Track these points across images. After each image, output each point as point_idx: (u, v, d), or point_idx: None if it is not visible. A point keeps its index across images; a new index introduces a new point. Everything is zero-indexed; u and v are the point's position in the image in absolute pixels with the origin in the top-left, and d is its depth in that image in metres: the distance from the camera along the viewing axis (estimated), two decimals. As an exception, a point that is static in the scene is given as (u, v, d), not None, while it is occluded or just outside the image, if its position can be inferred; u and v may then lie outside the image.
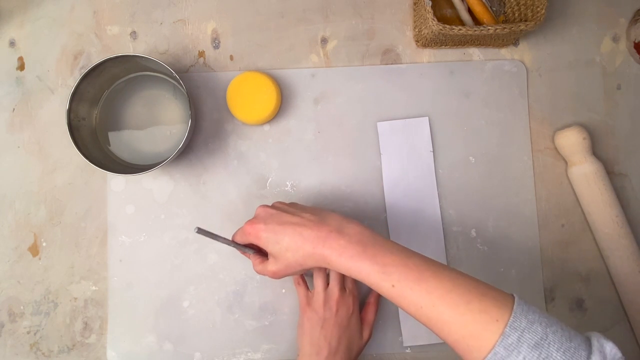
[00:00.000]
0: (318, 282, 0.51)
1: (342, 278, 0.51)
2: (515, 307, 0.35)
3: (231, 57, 0.59)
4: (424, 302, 0.37)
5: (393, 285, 0.38)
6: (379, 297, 0.54)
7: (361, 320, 0.51)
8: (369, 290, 0.56)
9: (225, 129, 0.58)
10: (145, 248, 0.57)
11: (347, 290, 0.51)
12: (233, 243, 0.49)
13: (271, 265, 0.44)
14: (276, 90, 0.55)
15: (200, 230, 0.46)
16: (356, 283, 0.52)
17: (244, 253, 0.50)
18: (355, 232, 0.41)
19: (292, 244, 0.42)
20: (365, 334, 0.50)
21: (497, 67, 0.59)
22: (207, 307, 0.56)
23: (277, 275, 0.45)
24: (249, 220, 0.46)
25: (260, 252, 0.48)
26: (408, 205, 0.57)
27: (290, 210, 0.45)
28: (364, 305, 0.54)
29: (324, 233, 0.41)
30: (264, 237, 0.44)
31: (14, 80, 0.58)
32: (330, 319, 0.48)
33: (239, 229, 0.48)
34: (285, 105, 0.58)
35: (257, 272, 0.47)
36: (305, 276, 0.56)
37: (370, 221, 0.57)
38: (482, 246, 0.57)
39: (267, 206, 0.47)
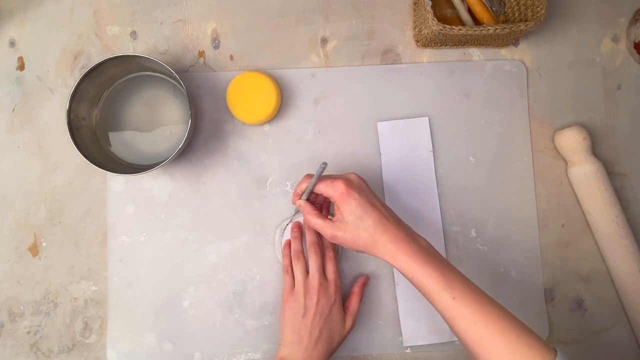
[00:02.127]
0: (298, 270, 0.51)
1: (322, 267, 0.51)
2: (559, 353, 0.38)
3: (231, 57, 0.59)
4: (479, 320, 0.40)
5: (454, 298, 0.41)
6: (363, 287, 0.54)
7: (345, 309, 0.51)
8: (353, 280, 0.56)
9: (225, 129, 0.58)
10: (145, 248, 0.57)
11: (329, 280, 0.50)
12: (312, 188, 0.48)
13: (339, 231, 0.45)
14: (276, 90, 0.55)
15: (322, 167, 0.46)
16: (339, 273, 0.51)
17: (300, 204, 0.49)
18: (425, 244, 0.46)
19: (372, 228, 0.44)
20: (348, 324, 0.50)
21: (497, 67, 0.59)
22: (207, 307, 0.56)
23: (335, 240, 0.46)
24: (345, 181, 0.45)
25: (313, 205, 0.49)
26: (408, 205, 0.57)
27: (377, 196, 0.47)
28: (347, 295, 0.54)
29: (401, 235, 0.44)
30: (353, 205, 0.44)
31: (14, 80, 0.58)
32: (311, 308, 0.48)
33: (328, 180, 0.46)
34: (285, 105, 0.58)
35: (315, 224, 0.47)
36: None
37: (370, 221, 0.57)
38: (482, 246, 0.57)
39: (360, 178, 0.47)
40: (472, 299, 0.41)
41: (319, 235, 0.53)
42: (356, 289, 0.53)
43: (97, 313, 0.56)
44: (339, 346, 0.50)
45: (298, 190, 0.49)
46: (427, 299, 0.44)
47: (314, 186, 0.47)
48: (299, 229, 0.55)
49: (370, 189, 0.48)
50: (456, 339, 0.56)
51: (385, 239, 0.44)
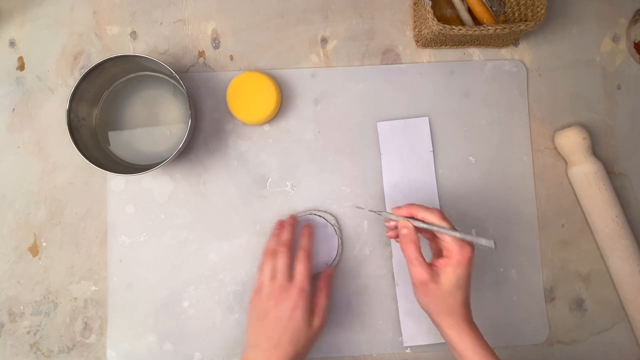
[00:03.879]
0: (265, 272, 0.50)
1: (289, 268, 0.49)
2: None
3: (231, 57, 0.59)
4: None
5: None
6: (329, 281, 0.52)
7: (313, 306, 0.48)
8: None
9: (225, 129, 0.58)
10: (145, 248, 0.57)
11: (295, 282, 0.48)
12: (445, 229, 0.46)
13: (433, 283, 0.44)
14: (276, 90, 0.55)
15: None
16: (308, 275, 0.49)
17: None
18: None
19: (459, 301, 0.45)
20: (316, 322, 0.48)
21: (497, 67, 0.59)
22: (207, 307, 0.56)
23: (422, 285, 0.45)
24: (473, 250, 0.45)
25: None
26: (408, 205, 0.57)
27: None
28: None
29: (470, 318, 0.46)
30: (463, 274, 0.44)
31: (14, 80, 0.58)
32: (270, 311, 0.47)
33: (459, 235, 0.45)
34: (285, 105, 0.58)
35: (413, 259, 0.45)
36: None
37: (370, 221, 0.57)
38: (482, 246, 0.57)
39: None
40: None
41: (292, 235, 0.52)
42: (321, 285, 0.51)
43: (97, 313, 0.56)
44: (311, 344, 0.48)
45: (415, 212, 0.47)
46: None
47: (440, 230, 0.46)
48: (281, 228, 0.53)
49: None
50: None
51: (462, 315, 0.45)
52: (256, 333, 0.47)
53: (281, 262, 0.49)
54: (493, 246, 0.44)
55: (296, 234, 0.54)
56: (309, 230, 0.53)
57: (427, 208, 0.47)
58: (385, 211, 0.52)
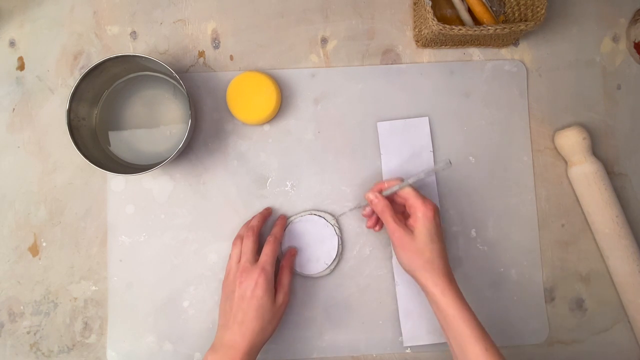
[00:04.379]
0: (233, 255, 0.52)
1: (254, 251, 0.51)
2: None
3: (231, 57, 0.59)
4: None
5: (487, 349, 0.44)
6: (291, 260, 0.54)
7: (276, 284, 0.51)
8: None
9: (225, 129, 0.58)
10: (145, 248, 0.57)
11: (258, 263, 0.50)
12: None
13: (407, 238, 0.49)
14: (276, 90, 0.55)
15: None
16: (272, 257, 0.51)
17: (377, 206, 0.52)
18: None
19: (436, 253, 0.48)
20: (279, 299, 0.50)
21: (497, 67, 0.59)
22: (207, 307, 0.56)
23: (400, 243, 0.49)
24: (435, 205, 0.50)
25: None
26: (408, 205, 0.57)
27: None
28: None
29: (451, 275, 0.49)
30: (433, 225, 0.49)
31: (14, 80, 0.58)
32: (235, 291, 0.49)
33: (419, 194, 0.50)
34: (285, 105, 0.58)
35: (388, 222, 0.50)
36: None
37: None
38: (482, 246, 0.57)
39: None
40: (499, 355, 0.44)
41: (261, 223, 0.54)
42: (284, 263, 0.54)
43: (97, 313, 0.56)
44: (276, 320, 0.50)
45: (383, 186, 0.52)
46: (455, 341, 0.46)
47: (414, 181, 0.51)
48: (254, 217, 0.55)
49: (440, 221, 0.51)
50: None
51: (442, 270, 0.47)
52: (224, 312, 0.50)
53: (246, 246, 0.52)
54: (450, 164, 0.50)
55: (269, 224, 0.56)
56: (282, 220, 0.56)
57: (389, 180, 0.53)
58: (360, 205, 0.57)
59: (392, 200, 0.53)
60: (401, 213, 0.53)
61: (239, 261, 0.51)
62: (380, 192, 0.52)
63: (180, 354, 0.56)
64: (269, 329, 0.49)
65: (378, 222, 0.55)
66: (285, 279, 0.52)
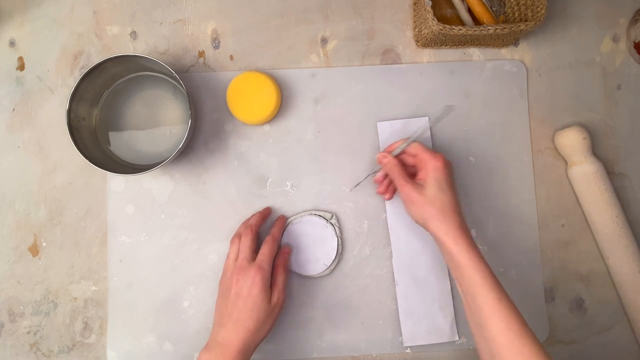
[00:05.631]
0: (230, 253, 0.52)
1: (251, 250, 0.51)
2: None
3: (231, 57, 0.59)
4: (514, 326, 0.43)
5: (500, 299, 0.44)
6: (286, 259, 0.54)
7: (272, 284, 0.51)
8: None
9: (225, 129, 0.58)
10: (145, 248, 0.57)
11: (256, 262, 0.50)
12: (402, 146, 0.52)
13: (416, 192, 0.49)
14: (276, 90, 0.55)
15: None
16: (270, 256, 0.51)
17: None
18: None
19: (448, 202, 0.48)
20: (274, 298, 0.50)
21: (497, 67, 0.59)
22: (207, 307, 0.56)
23: (409, 199, 0.49)
24: (445, 157, 0.50)
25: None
26: (408, 205, 0.57)
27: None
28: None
29: (466, 225, 0.48)
30: (442, 175, 0.49)
31: (14, 80, 0.58)
32: (230, 289, 0.49)
33: (428, 148, 0.51)
34: (285, 105, 0.58)
35: (398, 179, 0.51)
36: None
37: (370, 221, 0.57)
38: (482, 246, 0.57)
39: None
40: (512, 305, 0.44)
41: (260, 221, 0.55)
42: (278, 262, 0.53)
43: (97, 313, 0.56)
44: (271, 320, 0.49)
45: (392, 147, 0.53)
46: (468, 290, 0.45)
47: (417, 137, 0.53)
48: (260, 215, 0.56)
49: (453, 176, 0.52)
50: (456, 339, 0.56)
51: (454, 220, 0.47)
52: (220, 310, 0.49)
53: (244, 244, 0.51)
54: (450, 108, 0.54)
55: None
56: (281, 221, 0.56)
57: (396, 142, 0.54)
58: (373, 171, 0.57)
59: (404, 162, 0.53)
60: (414, 175, 0.53)
61: (237, 259, 0.51)
62: (390, 153, 0.53)
63: (180, 354, 0.56)
64: (264, 329, 0.48)
65: (389, 189, 0.55)
66: (279, 278, 0.52)
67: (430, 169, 0.49)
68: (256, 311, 0.48)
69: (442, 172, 0.49)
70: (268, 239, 0.53)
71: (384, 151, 0.54)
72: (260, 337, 0.48)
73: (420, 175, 0.51)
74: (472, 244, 0.46)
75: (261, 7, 0.59)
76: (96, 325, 0.56)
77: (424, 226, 0.49)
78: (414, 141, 0.52)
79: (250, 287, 0.48)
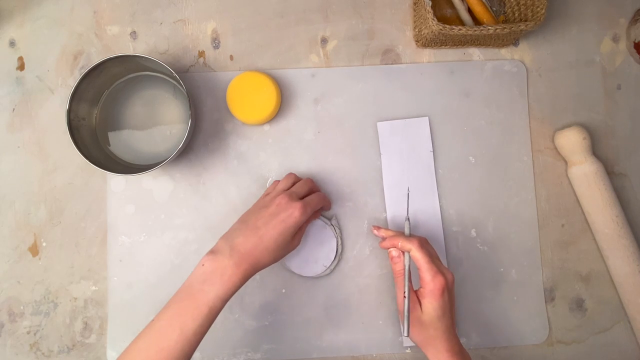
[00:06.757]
0: (282, 182, 0.52)
1: (303, 195, 0.51)
2: None
3: (231, 57, 0.59)
4: None
5: None
6: (316, 218, 0.55)
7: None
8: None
9: (225, 129, 0.58)
10: (145, 248, 0.57)
11: (303, 200, 0.49)
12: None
13: (416, 312, 0.48)
14: (276, 90, 0.55)
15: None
16: (314, 208, 0.50)
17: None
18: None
19: (440, 332, 0.47)
20: (295, 241, 0.50)
21: (497, 67, 0.59)
22: (207, 307, 0.56)
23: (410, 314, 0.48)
24: (445, 281, 0.47)
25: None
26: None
27: (453, 299, 0.50)
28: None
29: (456, 348, 0.48)
30: (438, 304, 0.47)
31: (14, 80, 0.58)
32: (268, 207, 0.48)
33: (434, 266, 0.47)
34: (285, 105, 0.58)
35: (402, 298, 0.48)
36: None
37: (370, 221, 0.57)
38: (482, 246, 0.57)
39: (453, 277, 0.49)
40: None
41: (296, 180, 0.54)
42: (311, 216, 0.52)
43: (97, 313, 0.56)
44: (280, 257, 0.48)
45: (394, 242, 0.50)
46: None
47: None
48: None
49: (453, 291, 0.49)
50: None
51: (444, 347, 0.46)
52: (245, 221, 0.48)
53: (300, 187, 0.51)
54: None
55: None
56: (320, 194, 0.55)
57: (391, 231, 0.53)
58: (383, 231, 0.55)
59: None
60: None
61: (286, 189, 0.51)
62: (386, 237, 0.52)
63: (180, 354, 0.56)
64: (271, 259, 0.47)
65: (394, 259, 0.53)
66: (304, 227, 0.52)
67: (429, 294, 0.46)
68: (280, 239, 0.46)
69: (440, 299, 0.46)
70: (321, 193, 0.53)
71: (381, 233, 0.53)
72: (266, 265, 0.46)
73: (419, 292, 0.48)
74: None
75: (261, 7, 0.59)
76: (96, 325, 0.56)
77: (417, 344, 0.49)
78: (420, 252, 0.48)
79: (288, 216, 0.47)
